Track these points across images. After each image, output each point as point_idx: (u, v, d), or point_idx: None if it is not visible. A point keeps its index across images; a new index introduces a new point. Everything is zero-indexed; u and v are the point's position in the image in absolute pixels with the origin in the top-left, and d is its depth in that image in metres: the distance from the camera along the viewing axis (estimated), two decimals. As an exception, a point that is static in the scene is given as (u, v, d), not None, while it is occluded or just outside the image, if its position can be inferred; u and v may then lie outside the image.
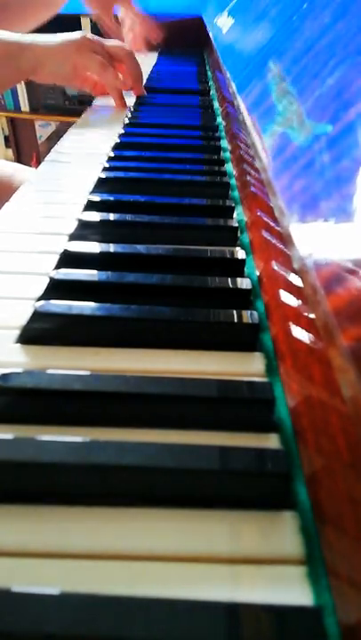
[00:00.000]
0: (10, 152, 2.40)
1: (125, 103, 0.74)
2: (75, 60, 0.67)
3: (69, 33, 0.69)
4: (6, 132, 2.36)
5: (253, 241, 0.37)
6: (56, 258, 0.34)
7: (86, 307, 0.28)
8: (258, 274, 0.34)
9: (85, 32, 0.70)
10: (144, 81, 0.81)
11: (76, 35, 0.69)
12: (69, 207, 0.43)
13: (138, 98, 0.78)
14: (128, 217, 0.40)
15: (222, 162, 0.53)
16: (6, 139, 2.42)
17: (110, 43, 0.73)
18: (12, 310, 0.30)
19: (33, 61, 0.66)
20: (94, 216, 0.40)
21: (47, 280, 0.31)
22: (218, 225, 0.40)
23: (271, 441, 0.23)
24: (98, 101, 0.79)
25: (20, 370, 0.25)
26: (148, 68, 1.00)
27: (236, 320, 0.28)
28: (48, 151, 0.59)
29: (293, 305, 0.26)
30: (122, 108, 0.73)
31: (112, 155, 0.54)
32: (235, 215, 0.42)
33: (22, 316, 0.29)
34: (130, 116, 0.68)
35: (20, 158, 2.34)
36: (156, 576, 0.18)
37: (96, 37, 0.71)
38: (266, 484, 0.20)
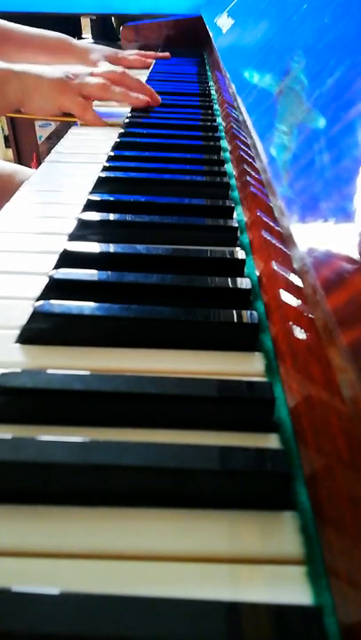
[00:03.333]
0: (10, 152, 2.40)
1: (103, 122, 0.71)
2: (60, 102, 0.68)
3: (56, 67, 0.70)
4: (6, 131, 2.36)
5: (253, 241, 0.37)
6: (56, 258, 0.34)
7: (86, 306, 0.28)
8: (258, 274, 0.34)
9: (75, 67, 0.71)
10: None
11: (60, 72, 0.69)
12: (69, 207, 0.43)
13: (153, 105, 0.77)
14: (128, 217, 0.40)
15: (222, 162, 0.53)
16: (6, 139, 2.42)
17: (100, 71, 0.73)
18: (11, 310, 0.30)
19: (20, 92, 0.67)
20: (94, 216, 0.40)
21: (47, 280, 0.31)
22: (218, 225, 0.39)
23: (271, 441, 0.23)
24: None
25: (19, 370, 0.25)
26: (145, 73, 1.00)
27: (235, 320, 0.28)
28: (48, 151, 0.59)
29: (293, 305, 0.26)
30: (102, 125, 0.71)
31: (112, 155, 0.54)
32: (235, 215, 0.42)
33: (22, 316, 0.29)
34: (130, 116, 0.68)
35: (20, 158, 2.34)
36: (156, 576, 0.18)
37: (81, 74, 0.72)
38: (266, 484, 0.20)
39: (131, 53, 1.10)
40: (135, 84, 0.75)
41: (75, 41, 1.02)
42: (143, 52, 1.14)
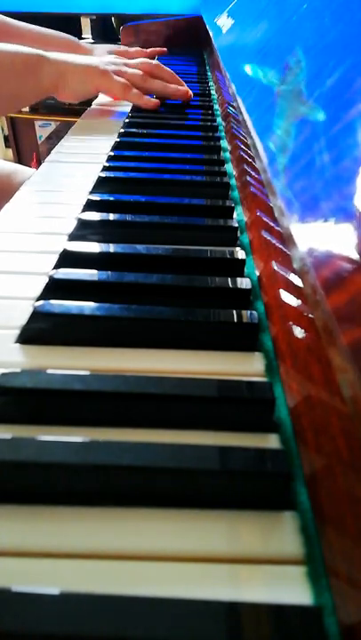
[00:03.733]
0: (10, 152, 2.40)
1: (156, 102, 0.72)
2: (98, 83, 0.68)
3: (89, 57, 0.71)
4: (6, 131, 2.36)
5: (253, 241, 0.37)
6: (56, 258, 0.34)
7: (86, 306, 0.28)
8: (258, 274, 0.34)
9: (109, 56, 0.72)
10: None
11: (95, 59, 0.70)
12: (69, 207, 0.43)
13: (187, 100, 0.77)
14: (128, 217, 0.40)
15: (222, 162, 0.53)
16: (6, 139, 2.41)
17: (134, 62, 0.74)
18: (11, 310, 0.30)
19: (55, 77, 0.66)
20: (94, 216, 0.40)
21: (47, 280, 0.31)
22: (218, 225, 0.39)
23: (271, 441, 0.23)
24: (98, 101, 0.79)
25: (19, 370, 0.25)
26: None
27: (235, 320, 0.28)
28: (48, 151, 0.59)
29: (293, 305, 0.26)
30: (154, 107, 0.72)
31: (112, 154, 0.54)
32: (235, 215, 0.42)
33: (22, 316, 0.29)
34: (130, 116, 0.68)
35: (20, 158, 2.34)
36: (156, 576, 0.18)
37: (119, 60, 0.73)
38: (266, 484, 0.20)
39: (131, 50, 1.11)
40: (169, 76, 0.75)
41: (80, 42, 1.04)
42: (143, 49, 1.15)
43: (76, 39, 1.03)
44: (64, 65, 0.66)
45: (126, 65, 0.73)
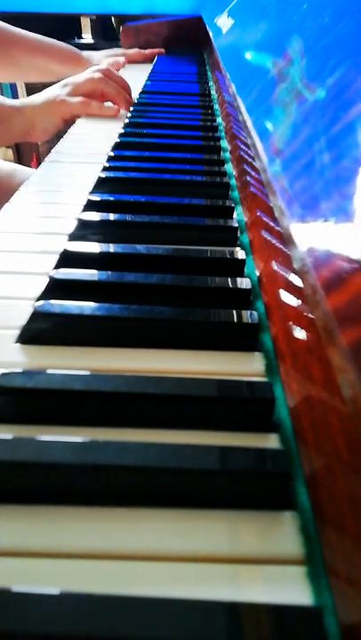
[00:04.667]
0: (10, 152, 2.40)
1: (116, 109, 0.74)
2: (61, 113, 0.72)
3: (47, 91, 0.74)
4: (6, 132, 2.36)
5: (253, 241, 0.37)
6: (56, 258, 0.34)
7: (86, 306, 0.28)
8: (258, 274, 0.34)
9: (63, 81, 0.75)
10: (143, 81, 0.81)
11: (53, 91, 0.73)
12: (69, 207, 0.43)
13: (138, 98, 0.78)
14: (128, 217, 0.40)
15: (222, 162, 0.53)
16: (6, 139, 2.41)
17: (82, 77, 0.75)
18: (11, 310, 0.30)
19: (24, 125, 0.72)
20: (94, 216, 0.40)
21: (47, 280, 0.31)
22: (218, 225, 0.40)
23: (271, 441, 0.23)
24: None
25: (19, 370, 0.25)
26: (145, 73, 1.00)
27: (235, 320, 0.28)
28: (48, 151, 0.59)
29: (293, 305, 0.26)
30: (115, 115, 0.74)
31: (112, 155, 0.54)
32: (235, 215, 0.42)
33: (22, 316, 0.29)
34: (130, 116, 0.69)
35: (19, 158, 2.34)
36: (156, 576, 0.18)
37: (69, 83, 0.74)
38: (266, 484, 0.20)
39: (130, 52, 1.12)
40: (112, 90, 0.75)
41: (78, 50, 1.05)
42: (142, 50, 1.15)
43: (74, 49, 1.04)
44: (30, 110, 0.71)
45: (75, 84, 0.74)
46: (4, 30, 0.96)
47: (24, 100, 0.74)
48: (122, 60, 1.03)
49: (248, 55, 0.53)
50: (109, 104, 0.74)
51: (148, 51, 1.16)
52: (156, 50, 1.18)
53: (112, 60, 1.02)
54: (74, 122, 0.72)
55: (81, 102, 0.72)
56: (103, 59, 1.04)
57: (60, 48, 1.02)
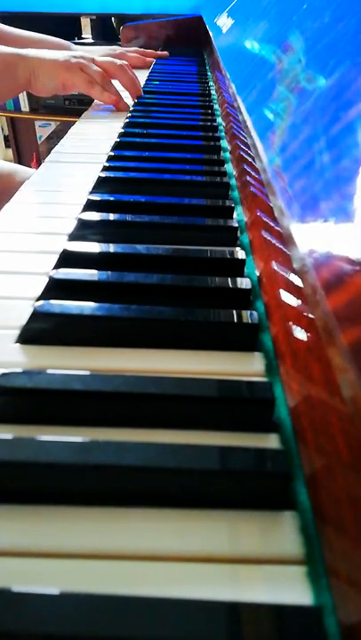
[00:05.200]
0: (10, 152, 2.40)
1: (125, 105, 0.75)
2: (63, 78, 0.71)
3: (60, 51, 0.73)
4: (6, 131, 2.36)
5: (253, 241, 0.37)
6: (56, 258, 0.34)
7: (86, 307, 0.28)
8: (258, 274, 0.34)
9: (74, 52, 0.74)
10: (142, 82, 0.81)
11: (65, 54, 0.73)
12: (69, 207, 0.43)
13: (138, 98, 0.78)
14: (128, 217, 0.40)
15: (222, 162, 0.53)
16: (6, 139, 2.42)
17: (101, 59, 0.76)
18: (11, 310, 0.30)
19: (28, 72, 0.70)
20: (94, 216, 0.40)
21: (47, 280, 0.31)
22: (218, 225, 0.40)
23: (271, 441, 0.23)
24: (98, 102, 0.79)
25: (19, 370, 0.25)
26: (145, 73, 1.00)
27: (235, 320, 0.28)
28: (48, 151, 0.59)
29: (293, 305, 0.26)
30: (119, 106, 0.75)
31: (112, 154, 0.54)
32: (235, 215, 0.42)
33: (22, 316, 0.29)
34: (130, 115, 0.69)
35: (20, 158, 2.34)
36: (156, 576, 0.18)
37: (86, 55, 0.75)
38: (266, 484, 0.20)
39: (130, 50, 1.10)
40: (127, 80, 0.77)
41: (74, 46, 1.04)
42: (143, 49, 1.14)
43: (66, 42, 1.03)
44: (36, 61, 0.70)
45: (94, 61, 0.75)
46: (1, 30, 0.96)
47: (30, 50, 0.72)
48: (118, 62, 1.02)
49: (248, 55, 0.53)
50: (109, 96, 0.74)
51: (149, 51, 1.14)
52: (160, 52, 1.16)
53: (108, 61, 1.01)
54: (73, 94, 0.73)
55: (87, 80, 0.71)
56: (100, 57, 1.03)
57: (51, 42, 1.01)
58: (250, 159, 0.45)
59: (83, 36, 2.11)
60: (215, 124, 0.66)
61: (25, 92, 2.10)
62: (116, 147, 0.56)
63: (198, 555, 0.18)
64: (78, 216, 0.40)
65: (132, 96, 0.78)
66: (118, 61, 0.77)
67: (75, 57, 0.72)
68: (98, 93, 0.73)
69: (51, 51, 0.73)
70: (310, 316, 0.23)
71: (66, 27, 1.93)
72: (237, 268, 0.34)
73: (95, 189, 0.46)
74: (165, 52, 1.17)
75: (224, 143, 0.60)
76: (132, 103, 0.76)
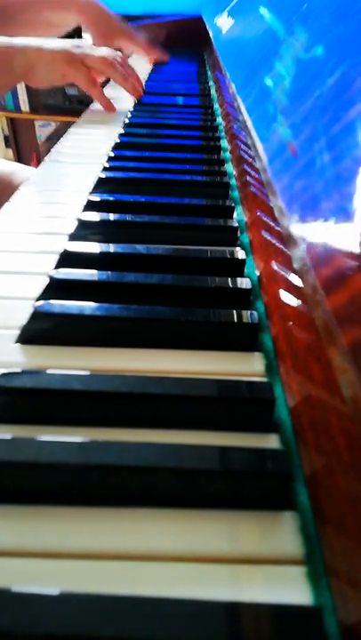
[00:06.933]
0: (10, 152, 2.40)
1: (113, 107, 0.74)
2: (64, 70, 0.69)
3: (60, 40, 0.71)
4: (6, 131, 2.36)
5: (253, 241, 0.37)
6: (56, 258, 0.34)
7: (86, 307, 0.28)
8: (258, 274, 0.34)
9: (75, 41, 0.72)
10: (143, 81, 0.81)
11: (65, 44, 0.70)
12: (69, 207, 0.43)
13: (138, 98, 0.78)
14: (128, 217, 0.40)
15: (222, 162, 0.53)
16: (6, 139, 2.42)
17: (100, 52, 0.74)
18: (11, 310, 0.30)
19: (25, 65, 0.68)
20: (94, 216, 0.40)
21: (47, 280, 0.31)
22: (218, 225, 0.40)
23: (271, 441, 0.23)
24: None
25: (19, 370, 0.25)
26: (145, 73, 1.00)
27: (235, 320, 0.28)
28: (48, 151, 0.59)
29: (293, 305, 0.26)
30: (110, 111, 0.74)
31: (112, 155, 0.54)
32: (235, 215, 0.42)
33: (22, 316, 0.29)
34: (130, 115, 0.69)
35: (20, 158, 2.34)
36: (156, 576, 0.18)
37: (85, 46, 0.73)
38: (266, 484, 0.20)
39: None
40: (130, 71, 0.77)
41: None
42: (151, 45, 1.08)
43: None
44: (34, 52, 0.68)
45: (88, 55, 0.72)
46: None
47: (28, 41, 0.69)
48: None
49: (248, 55, 0.53)
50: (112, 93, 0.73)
51: (152, 53, 1.09)
52: (164, 56, 1.11)
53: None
54: (70, 85, 0.71)
55: (87, 78, 0.70)
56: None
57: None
58: (250, 159, 0.45)
59: (83, 35, 2.11)
60: (215, 123, 0.66)
61: (25, 92, 2.10)
62: (116, 147, 0.56)
63: (198, 555, 0.18)
64: (78, 216, 0.40)
65: (130, 92, 0.77)
66: (110, 57, 0.73)
67: (77, 46, 0.70)
68: (97, 95, 0.72)
69: (49, 40, 0.70)
70: (310, 315, 0.23)
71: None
72: (237, 267, 0.34)
73: (95, 189, 0.46)
74: (166, 57, 1.13)
75: (224, 143, 0.60)
76: (132, 104, 0.76)
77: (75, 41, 0.74)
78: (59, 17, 0.95)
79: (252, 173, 0.43)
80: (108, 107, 0.73)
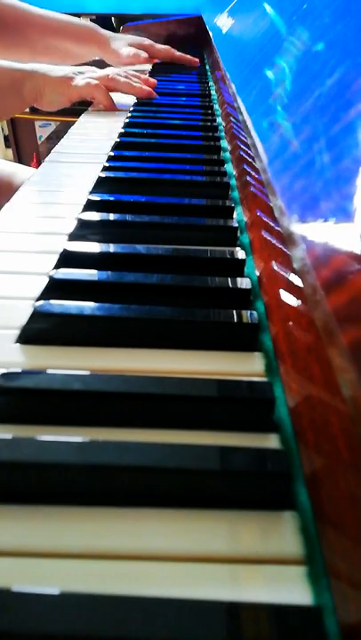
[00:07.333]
0: (10, 152, 2.40)
1: (114, 106, 0.76)
2: (69, 94, 0.73)
3: (64, 67, 0.75)
4: (6, 131, 2.36)
5: (253, 241, 0.37)
6: (56, 258, 0.34)
7: (86, 307, 0.28)
8: (258, 274, 0.34)
9: (77, 68, 0.76)
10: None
11: (67, 70, 0.74)
12: (69, 207, 0.43)
13: (138, 98, 0.78)
14: (128, 217, 0.40)
15: (222, 162, 0.53)
16: (6, 139, 2.42)
17: (102, 71, 0.76)
18: (11, 310, 0.30)
19: (34, 91, 0.72)
20: (94, 216, 0.40)
21: (47, 280, 0.31)
22: (218, 225, 0.40)
23: (271, 441, 0.23)
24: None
25: (19, 370, 0.25)
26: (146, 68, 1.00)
27: (235, 320, 0.28)
28: (48, 151, 0.59)
29: (293, 305, 0.26)
30: (112, 109, 0.76)
31: (112, 155, 0.54)
32: (235, 215, 0.42)
33: (22, 316, 0.29)
34: (130, 115, 0.69)
35: (20, 158, 2.34)
36: (156, 576, 0.18)
37: (87, 70, 0.76)
38: (266, 484, 0.20)
39: (158, 46, 1.04)
40: (136, 78, 0.79)
41: (100, 29, 1.00)
42: (173, 50, 1.05)
43: (95, 26, 1.00)
44: (42, 78, 0.72)
45: (89, 78, 0.75)
46: (20, 10, 0.92)
47: (37, 65, 0.73)
48: (143, 55, 0.98)
49: (248, 55, 0.53)
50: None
51: (179, 54, 1.05)
52: (189, 57, 1.06)
53: (132, 53, 0.98)
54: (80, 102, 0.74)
55: (89, 85, 0.72)
56: (124, 47, 0.98)
57: (75, 27, 0.98)
58: (250, 159, 0.45)
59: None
60: (215, 124, 0.66)
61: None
62: (116, 147, 0.56)
63: (198, 555, 0.18)
64: (78, 216, 0.40)
65: (141, 96, 0.78)
66: (112, 73, 0.76)
67: (75, 72, 0.74)
68: (102, 96, 0.74)
69: (53, 67, 0.74)
70: (310, 316, 0.23)
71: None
72: (237, 267, 0.34)
73: (95, 189, 0.46)
74: (196, 59, 1.07)
75: (224, 143, 0.60)
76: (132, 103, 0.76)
77: (76, 68, 0.77)
78: (81, 50, 0.98)
79: (252, 173, 0.43)
80: (113, 108, 0.75)
